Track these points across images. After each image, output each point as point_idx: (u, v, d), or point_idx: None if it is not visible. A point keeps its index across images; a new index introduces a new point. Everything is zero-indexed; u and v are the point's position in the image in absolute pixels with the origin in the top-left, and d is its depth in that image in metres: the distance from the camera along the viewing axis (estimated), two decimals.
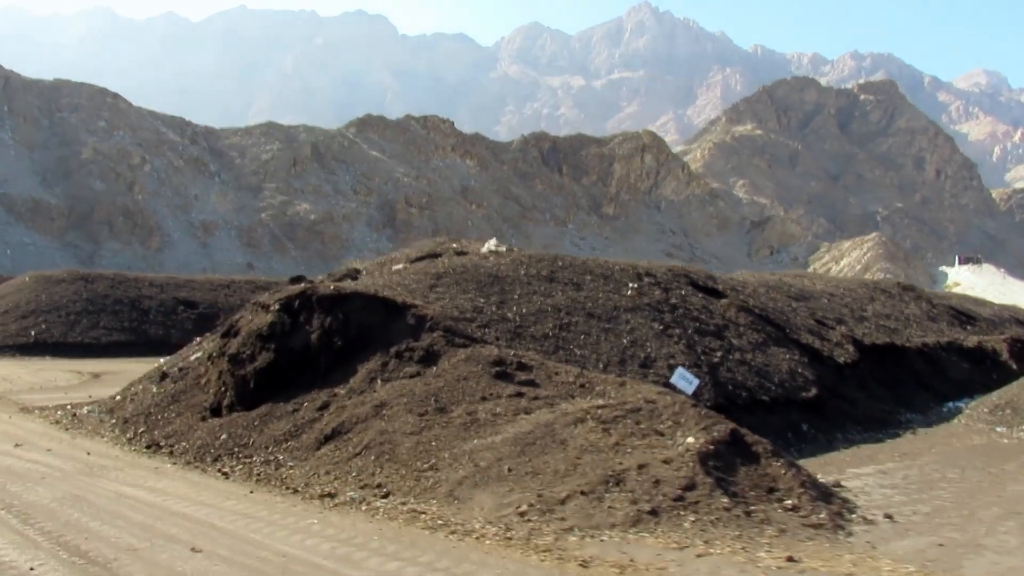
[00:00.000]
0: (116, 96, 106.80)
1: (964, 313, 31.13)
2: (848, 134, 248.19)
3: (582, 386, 12.77)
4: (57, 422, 16.41)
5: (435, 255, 16.13)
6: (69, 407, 18.13)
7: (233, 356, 13.49)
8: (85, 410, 17.04)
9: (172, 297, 34.22)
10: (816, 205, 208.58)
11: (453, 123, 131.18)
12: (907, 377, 21.12)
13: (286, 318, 13.40)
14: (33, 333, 28.91)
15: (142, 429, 14.60)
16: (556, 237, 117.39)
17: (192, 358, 16.28)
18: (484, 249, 15.83)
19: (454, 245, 17.12)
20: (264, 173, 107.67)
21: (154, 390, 15.74)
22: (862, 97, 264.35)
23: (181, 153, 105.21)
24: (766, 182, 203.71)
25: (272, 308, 13.64)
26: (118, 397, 17.45)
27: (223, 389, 13.59)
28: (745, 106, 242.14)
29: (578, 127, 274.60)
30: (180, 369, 16.13)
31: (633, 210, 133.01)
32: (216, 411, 13.60)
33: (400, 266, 15.62)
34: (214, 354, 14.90)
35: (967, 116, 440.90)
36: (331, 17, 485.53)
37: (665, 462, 9.99)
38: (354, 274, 17.11)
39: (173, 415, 14.63)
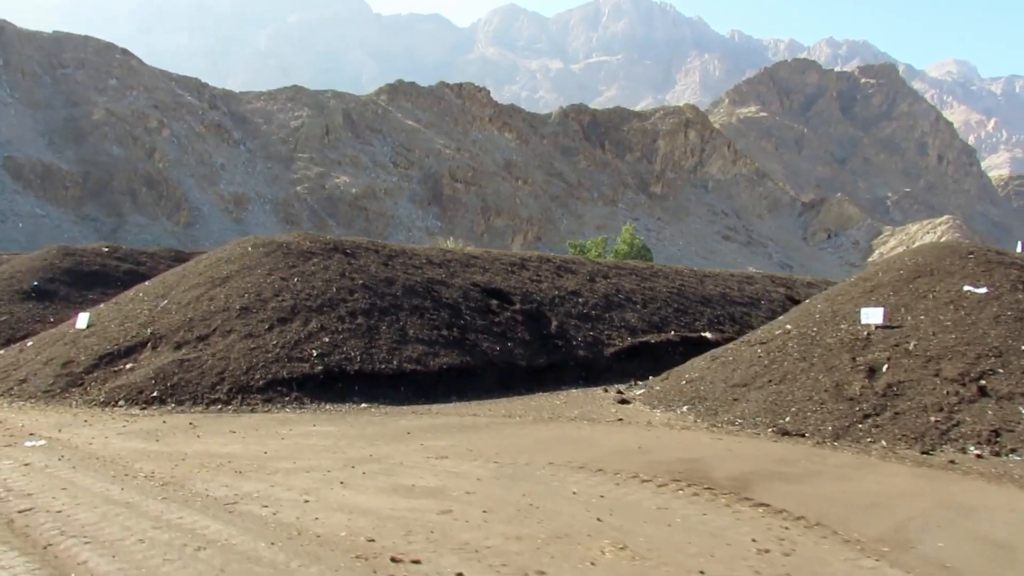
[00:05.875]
0: (126, 52, 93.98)
1: None
2: (850, 118, 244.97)
3: None
4: None
5: None
6: None
7: None
8: None
9: (470, 284, 19.19)
10: (826, 189, 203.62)
11: (489, 92, 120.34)
12: None
13: None
14: (315, 354, 13.94)
15: None
16: (608, 217, 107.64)
17: None
18: None
19: None
20: (295, 142, 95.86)
21: None
22: (863, 81, 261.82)
23: (201, 118, 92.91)
24: (775, 165, 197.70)
25: None
26: None
27: None
28: (748, 87, 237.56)
29: None
30: None
31: (680, 189, 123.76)
32: None
33: None
34: None
35: (941, 105, 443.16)
36: None
37: None
38: None
39: None
